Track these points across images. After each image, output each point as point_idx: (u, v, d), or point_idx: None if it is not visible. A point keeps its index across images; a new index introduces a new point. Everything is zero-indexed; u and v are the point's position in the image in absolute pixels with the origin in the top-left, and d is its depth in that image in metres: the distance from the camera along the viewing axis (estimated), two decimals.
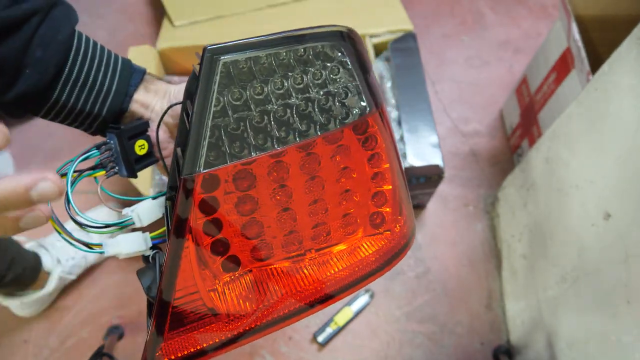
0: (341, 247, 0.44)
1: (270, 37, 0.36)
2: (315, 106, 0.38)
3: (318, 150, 0.39)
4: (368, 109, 0.39)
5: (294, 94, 0.37)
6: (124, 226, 0.40)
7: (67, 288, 1.18)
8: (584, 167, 0.84)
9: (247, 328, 0.39)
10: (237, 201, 0.38)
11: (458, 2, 1.79)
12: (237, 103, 0.35)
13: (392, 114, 1.18)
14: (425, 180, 1.12)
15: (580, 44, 1.00)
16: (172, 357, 0.37)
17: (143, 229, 0.41)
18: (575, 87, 1.04)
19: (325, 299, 0.42)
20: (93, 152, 0.41)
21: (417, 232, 1.29)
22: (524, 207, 1.11)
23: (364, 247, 0.44)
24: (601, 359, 0.77)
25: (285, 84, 0.36)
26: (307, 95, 0.37)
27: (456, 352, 1.14)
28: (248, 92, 0.35)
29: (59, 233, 0.38)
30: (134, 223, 0.40)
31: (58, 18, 0.41)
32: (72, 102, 0.44)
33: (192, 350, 0.38)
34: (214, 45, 0.34)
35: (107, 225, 0.40)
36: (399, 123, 1.15)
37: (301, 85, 0.37)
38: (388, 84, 1.23)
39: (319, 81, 0.37)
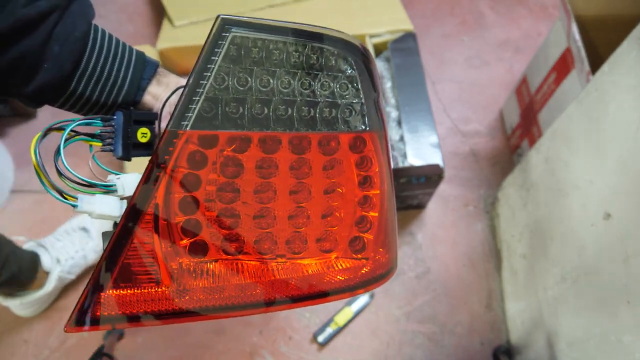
0: (313, 261, 0.43)
1: (287, 25, 0.36)
2: (317, 112, 0.38)
3: (311, 157, 0.39)
4: (368, 128, 0.40)
5: (298, 96, 0.37)
6: (106, 190, 0.40)
7: (67, 288, 1.18)
8: (584, 167, 0.84)
9: (195, 306, 0.39)
10: (219, 187, 0.38)
11: (458, 2, 1.79)
12: (240, 87, 0.35)
13: (392, 114, 1.18)
14: (425, 180, 1.12)
15: (580, 44, 1.00)
16: (106, 314, 0.36)
17: (123, 198, 0.40)
18: (575, 87, 1.04)
19: (282, 302, 0.41)
20: (97, 121, 0.42)
21: (417, 232, 1.29)
22: (524, 207, 1.11)
23: (337, 265, 0.43)
24: (601, 358, 0.77)
25: (292, 82, 0.37)
26: (312, 99, 0.38)
27: (456, 352, 1.14)
28: (253, 80, 0.36)
29: (38, 174, 0.38)
30: (116, 190, 0.40)
31: (75, 14, 0.42)
32: (87, 93, 0.45)
33: (130, 311, 0.37)
34: (228, 15, 0.34)
35: (91, 185, 0.40)
36: (399, 123, 1.15)
37: (307, 91, 0.37)
38: (388, 84, 1.23)
39: (326, 92, 0.38)
